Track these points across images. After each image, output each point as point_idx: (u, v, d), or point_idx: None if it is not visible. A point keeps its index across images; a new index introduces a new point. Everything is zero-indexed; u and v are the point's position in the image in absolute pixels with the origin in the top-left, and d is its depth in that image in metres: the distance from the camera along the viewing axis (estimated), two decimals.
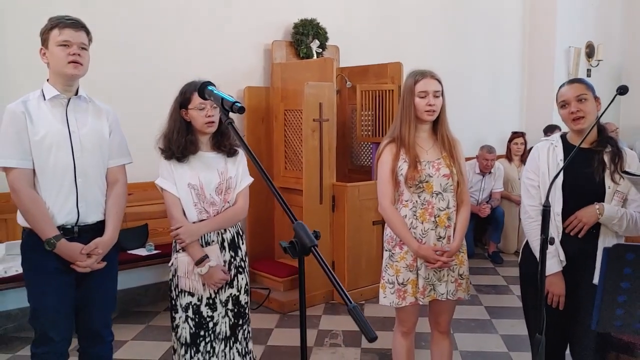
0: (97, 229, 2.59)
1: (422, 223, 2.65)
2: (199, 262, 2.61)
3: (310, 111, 4.65)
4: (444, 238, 2.68)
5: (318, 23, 5.51)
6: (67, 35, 2.46)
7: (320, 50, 5.53)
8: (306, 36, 5.44)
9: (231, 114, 1.63)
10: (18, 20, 4.01)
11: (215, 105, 2.46)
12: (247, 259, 2.83)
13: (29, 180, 2.47)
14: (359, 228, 4.76)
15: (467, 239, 6.25)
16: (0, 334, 4.08)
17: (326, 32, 5.56)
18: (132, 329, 4.24)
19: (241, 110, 1.61)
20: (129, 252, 4.35)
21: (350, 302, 1.23)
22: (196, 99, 2.58)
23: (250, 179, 2.80)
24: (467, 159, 6.43)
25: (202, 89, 1.77)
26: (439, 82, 2.66)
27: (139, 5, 4.64)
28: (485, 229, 6.55)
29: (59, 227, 2.49)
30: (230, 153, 2.72)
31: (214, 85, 1.82)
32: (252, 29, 5.28)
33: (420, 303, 2.72)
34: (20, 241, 2.60)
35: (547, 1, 7.76)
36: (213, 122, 2.62)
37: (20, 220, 2.54)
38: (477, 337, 4.10)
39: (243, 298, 2.78)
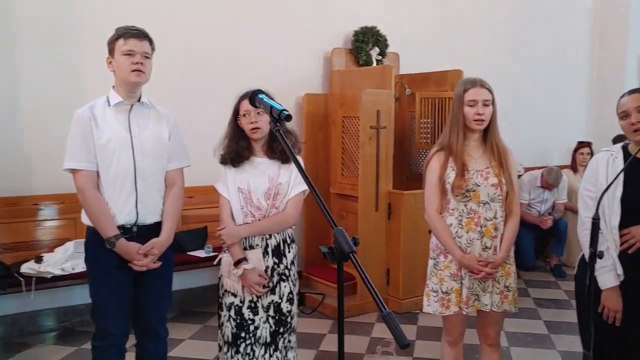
0: (155, 229, 2.70)
1: (468, 232, 2.62)
2: (236, 264, 2.66)
3: (368, 118, 4.67)
4: (489, 248, 2.64)
5: (378, 30, 5.52)
6: (131, 44, 2.59)
7: (380, 57, 5.54)
8: (366, 43, 5.46)
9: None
10: (91, 32, 4.22)
11: (260, 112, 2.53)
12: (294, 268, 2.79)
13: (94, 181, 2.61)
14: (414, 236, 4.72)
15: (527, 251, 6.13)
16: (67, 328, 4.30)
17: (386, 40, 5.57)
18: (189, 328, 4.38)
19: (288, 118, 1.66)
20: (189, 253, 4.48)
21: (385, 309, 1.25)
22: (243, 106, 2.65)
23: (304, 188, 2.75)
24: (530, 169, 6.30)
25: (253, 96, 1.82)
26: (490, 91, 2.62)
27: (200, 14, 4.80)
28: (548, 241, 6.35)
29: (119, 227, 2.62)
30: (285, 159, 2.72)
31: (265, 94, 1.88)
32: (312, 36, 5.35)
33: (464, 313, 2.68)
34: (85, 239, 2.75)
35: (620, 6, 7.47)
36: (258, 128, 2.66)
37: (84, 219, 2.69)
38: (534, 352, 3.99)
39: (285, 306, 2.74)
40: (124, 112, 2.67)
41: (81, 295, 4.23)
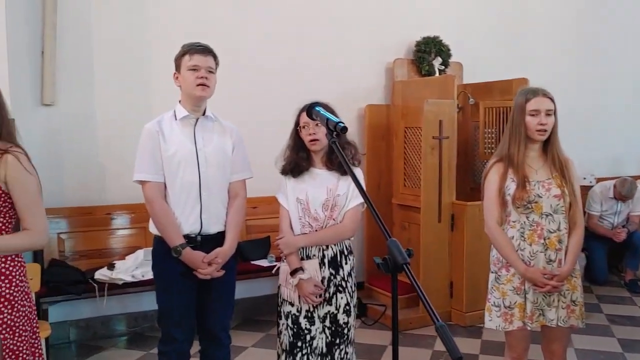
0: (218, 239, 2.78)
1: (531, 245, 2.56)
2: (293, 273, 2.70)
3: (430, 128, 4.63)
4: (554, 261, 2.56)
5: (441, 40, 5.49)
6: (196, 60, 2.69)
7: (443, 67, 5.50)
8: (428, 54, 5.43)
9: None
10: (158, 52, 4.43)
11: (318, 123, 2.56)
12: (351, 279, 2.79)
13: (161, 192, 2.71)
14: (478, 248, 4.63)
15: (599, 265, 5.88)
16: (137, 332, 4.48)
17: (449, 49, 5.52)
18: (252, 336, 4.46)
19: (344, 130, 1.68)
20: (252, 262, 4.57)
21: (438, 321, 1.24)
22: (302, 118, 2.69)
23: (360, 201, 2.74)
24: (602, 179, 6.05)
25: (310, 109, 1.86)
26: (552, 100, 2.56)
27: (263, 30, 4.91)
28: (622, 254, 6.07)
29: (184, 236, 2.71)
30: (344, 171, 2.72)
31: (323, 106, 1.92)
32: (374, 48, 5.37)
33: (529, 328, 2.61)
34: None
35: None
36: (316, 140, 2.69)
37: (152, 229, 2.80)
38: None
39: (342, 317, 2.74)
40: (190, 125, 2.77)
41: (150, 302, 4.36)
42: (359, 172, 2.80)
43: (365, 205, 2.74)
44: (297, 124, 2.77)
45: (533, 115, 2.55)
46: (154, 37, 4.49)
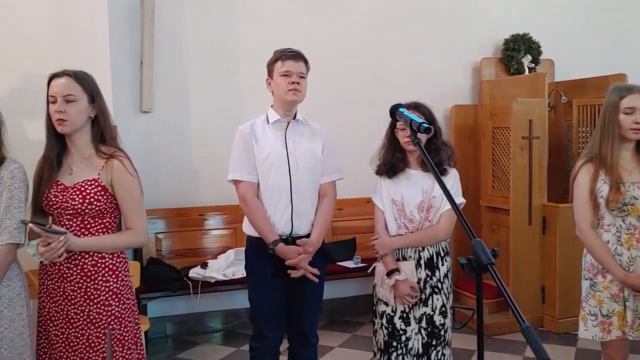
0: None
1: (629, 250, 2.43)
2: (389, 274, 2.71)
3: (519, 128, 4.51)
4: None
5: (531, 37, 5.32)
6: (288, 66, 2.77)
7: (533, 65, 5.32)
8: (517, 51, 5.28)
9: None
10: (248, 60, 4.59)
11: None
12: (447, 281, 2.80)
13: (254, 192, 2.81)
14: (572, 252, 4.42)
15: None
16: (229, 330, 4.65)
17: (539, 46, 5.34)
18: (338, 336, 4.51)
19: (427, 130, 1.69)
20: (338, 263, 4.63)
21: (524, 322, 1.23)
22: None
23: (459, 201, 2.74)
24: None
25: (393, 110, 1.88)
26: None
27: (351, 32, 4.96)
28: None
29: None
30: (440, 172, 2.70)
31: (406, 107, 1.93)
32: (460, 47, 5.29)
33: (630, 338, 2.47)
34: (244, 248, 2.98)
35: None
36: (410, 141, 2.70)
37: (246, 229, 2.91)
38: None
39: (438, 319, 2.76)
40: (281, 129, 2.85)
41: (241, 300, 4.54)
42: (454, 173, 2.79)
43: (462, 207, 2.73)
44: (393, 124, 2.77)
45: (628, 113, 2.43)
46: (245, 46, 4.65)
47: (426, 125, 1.70)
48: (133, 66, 4.41)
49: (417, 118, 1.75)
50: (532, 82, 4.77)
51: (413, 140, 1.74)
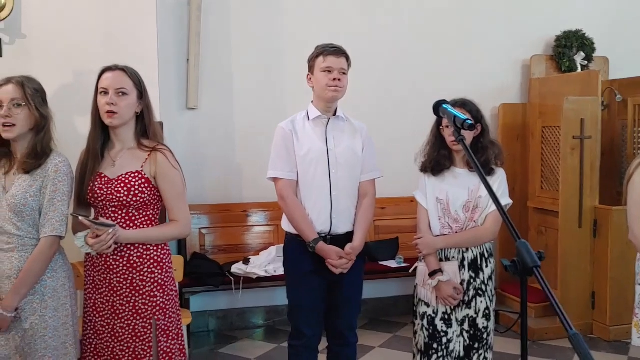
0: (347, 239, 2.81)
1: None
2: (431, 274, 2.66)
3: (570, 128, 4.36)
4: None
5: (584, 34, 5.14)
6: (329, 62, 2.74)
7: (586, 62, 5.14)
8: (569, 49, 5.11)
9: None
10: (290, 57, 4.60)
11: None
12: (491, 283, 2.73)
13: (294, 189, 2.80)
14: (625, 257, 4.25)
15: None
16: (270, 326, 4.67)
17: (593, 43, 5.16)
18: (379, 336, 4.46)
19: (471, 127, 1.65)
20: (380, 263, 4.58)
21: (571, 329, 1.17)
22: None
23: (506, 202, 2.71)
24: None
25: (436, 107, 1.84)
26: None
27: (396, 30, 4.90)
28: None
29: None
30: (487, 172, 2.67)
31: (451, 104, 1.88)
32: (509, 44, 5.15)
33: None
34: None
35: None
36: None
37: (285, 226, 2.91)
38: None
39: (481, 322, 2.69)
40: (322, 125, 2.83)
41: (282, 297, 4.49)
42: (501, 173, 2.73)
43: (508, 208, 2.66)
44: (438, 122, 2.71)
45: None
46: (291, 43, 4.65)
47: (470, 122, 1.65)
48: (179, 63, 4.47)
49: (460, 114, 1.70)
50: (585, 80, 4.60)
51: (456, 138, 1.69)
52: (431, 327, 2.71)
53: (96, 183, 2.35)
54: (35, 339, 2.28)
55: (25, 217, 2.29)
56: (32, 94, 2.33)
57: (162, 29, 4.04)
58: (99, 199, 2.34)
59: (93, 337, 2.39)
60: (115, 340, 2.34)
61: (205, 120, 4.58)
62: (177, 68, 4.47)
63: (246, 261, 4.28)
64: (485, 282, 2.71)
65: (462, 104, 2.64)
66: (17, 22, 3.62)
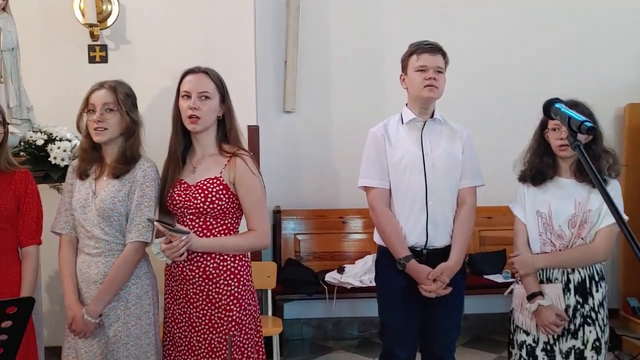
0: (444, 253, 2.58)
1: None
2: (530, 297, 2.37)
3: None
4: None
5: None
6: (424, 60, 2.53)
7: None
8: None
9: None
10: (389, 57, 4.37)
11: None
12: (602, 311, 2.41)
13: (386, 199, 2.61)
14: None
15: None
16: (365, 338, 4.49)
17: None
18: (483, 356, 4.15)
19: (590, 130, 1.37)
20: (485, 276, 4.25)
21: None
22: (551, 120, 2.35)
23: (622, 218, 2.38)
24: None
25: (548, 106, 1.57)
26: None
27: (498, 19, 4.56)
28: None
29: (409, 248, 2.56)
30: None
31: (563, 102, 1.60)
32: (636, 37, 4.61)
33: None
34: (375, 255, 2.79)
35: None
36: (567, 145, 2.32)
37: (376, 238, 2.71)
38: None
39: (590, 355, 2.37)
40: (417, 129, 2.62)
41: (377, 308, 4.37)
42: (615, 185, 2.38)
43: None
44: (543, 124, 2.43)
45: None
46: (390, 45, 4.42)
47: (589, 124, 1.37)
48: (277, 66, 4.43)
49: (577, 115, 1.43)
50: None
51: (572, 143, 1.42)
52: (531, 359, 2.43)
53: (175, 190, 2.29)
54: (118, 346, 2.26)
55: (112, 222, 2.27)
56: (124, 98, 2.32)
57: (259, 30, 4.01)
58: (177, 205, 2.28)
59: (172, 348, 2.33)
60: (192, 354, 2.27)
61: (303, 123, 4.51)
62: (275, 70, 4.43)
63: (341, 270, 4.13)
64: (596, 309, 2.39)
65: (574, 105, 2.31)
66: (121, 30, 3.73)
